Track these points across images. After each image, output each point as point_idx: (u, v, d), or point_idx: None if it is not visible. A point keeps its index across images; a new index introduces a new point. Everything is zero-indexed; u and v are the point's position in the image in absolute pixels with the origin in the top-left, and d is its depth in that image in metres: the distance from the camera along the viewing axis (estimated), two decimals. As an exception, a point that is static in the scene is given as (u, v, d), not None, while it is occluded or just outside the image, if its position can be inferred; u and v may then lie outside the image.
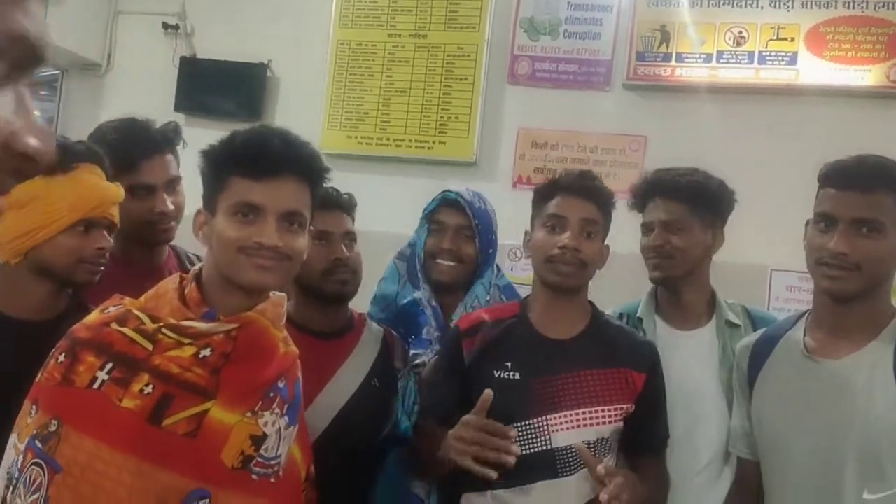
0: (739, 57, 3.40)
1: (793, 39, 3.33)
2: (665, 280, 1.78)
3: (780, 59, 3.35)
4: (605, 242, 1.65)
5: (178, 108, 4.02)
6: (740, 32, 3.40)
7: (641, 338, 1.71)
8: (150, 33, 4.12)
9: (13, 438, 1.18)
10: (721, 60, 3.42)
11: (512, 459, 1.41)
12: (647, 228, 1.80)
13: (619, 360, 1.60)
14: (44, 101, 4.28)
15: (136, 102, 4.01)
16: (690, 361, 1.72)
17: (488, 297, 1.82)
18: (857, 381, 1.40)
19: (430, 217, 1.87)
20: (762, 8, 3.39)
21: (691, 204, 1.76)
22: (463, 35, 3.73)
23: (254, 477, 1.20)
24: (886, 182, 1.40)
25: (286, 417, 1.26)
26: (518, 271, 3.72)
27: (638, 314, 1.84)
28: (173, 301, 1.25)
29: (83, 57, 4.11)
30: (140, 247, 1.77)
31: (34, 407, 1.18)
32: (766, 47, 3.36)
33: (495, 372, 1.56)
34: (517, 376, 1.55)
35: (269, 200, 1.22)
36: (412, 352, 1.80)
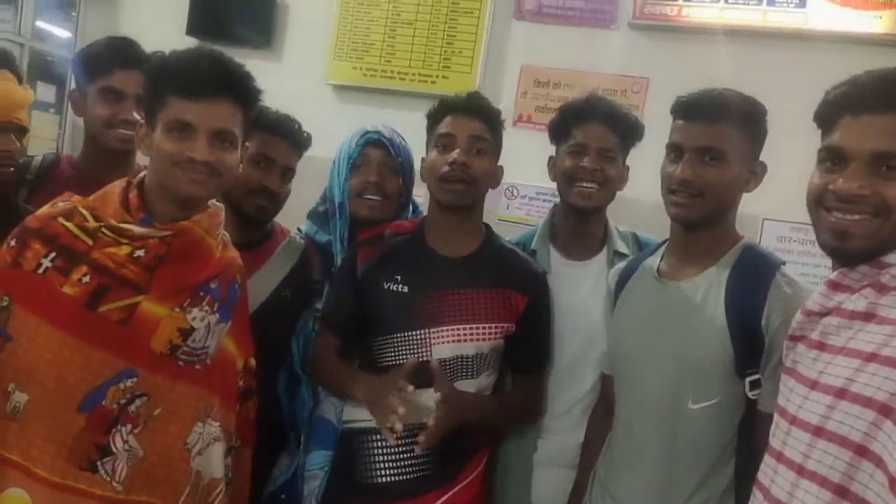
0: (748, -2, 3.30)
1: (803, -19, 3.22)
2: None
3: (789, 1, 3.25)
4: (499, 163, 1.68)
5: (189, 31, 4.07)
6: (751, -28, 3.30)
7: (534, 265, 1.75)
8: (164, -45, 4.14)
9: None
10: (730, 1, 3.33)
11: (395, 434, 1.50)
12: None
13: (504, 282, 1.65)
14: (62, 24, 4.37)
15: (150, 25, 4.13)
16: (580, 291, 1.78)
17: None
18: (692, 301, 1.47)
19: (353, 155, 1.88)
20: (775, -52, 3.27)
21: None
22: (470, -33, 3.68)
23: (179, 363, 1.36)
24: (730, 113, 1.45)
25: (217, 314, 1.40)
26: (513, 209, 3.77)
27: (532, 245, 1.89)
28: (115, 204, 1.37)
29: (99, -22, 4.16)
30: (102, 157, 1.86)
31: None
32: (776, -12, 3.26)
33: (385, 284, 1.63)
34: (405, 289, 1.61)
35: (201, 119, 1.32)
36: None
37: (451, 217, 1.65)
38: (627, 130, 1.86)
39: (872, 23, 3.14)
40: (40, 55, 4.10)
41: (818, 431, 1.02)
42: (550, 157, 1.90)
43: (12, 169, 1.65)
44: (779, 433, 1.13)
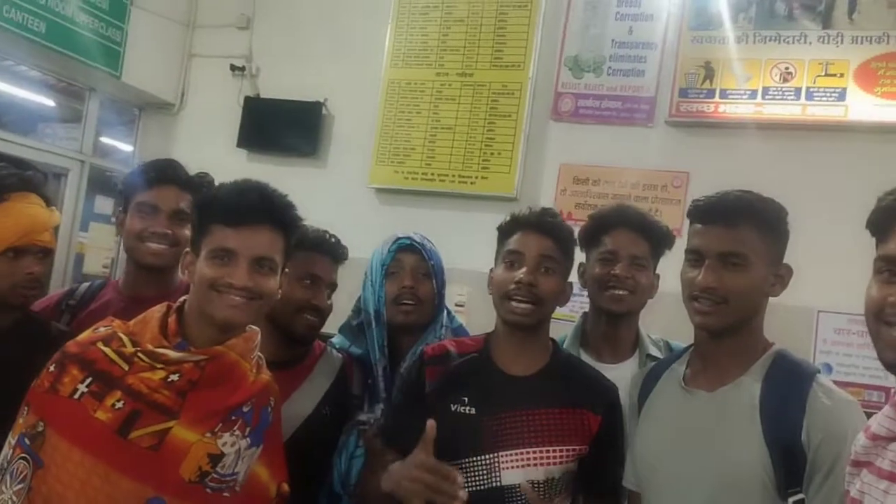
0: (786, 93, 3.34)
1: (842, 75, 3.25)
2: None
3: (828, 95, 3.27)
4: (569, 280, 1.65)
5: (240, 143, 4.27)
6: (787, 68, 3.35)
7: (605, 380, 1.66)
8: (218, 75, 4.41)
9: (9, 436, 1.34)
10: (767, 97, 3.37)
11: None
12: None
13: (575, 401, 1.57)
14: (123, 137, 4.63)
15: (204, 139, 4.36)
16: None
17: (437, 341, 1.80)
18: (725, 413, 1.39)
19: (388, 262, 1.87)
20: (810, 43, 3.33)
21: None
22: (508, 73, 3.82)
23: (208, 490, 1.31)
24: (749, 216, 1.39)
25: (248, 439, 1.37)
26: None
27: (563, 346, 1.82)
28: (154, 329, 1.39)
29: (158, 97, 4.44)
30: (139, 271, 1.88)
31: (26, 408, 1.34)
32: (814, 83, 3.29)
33: (452, 406, 1.56)
34: (472, 411, 1.55)
35: (241, 246, 1.36)
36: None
37: (518, 335, 1.59)
38: (657, 238, 1.84)
39: (914, 112, 3.13)
40: (100, 170, 4.32)
41: None
42: (581, 264, 1.88)
43: (35, 292, 1.70)
44: None
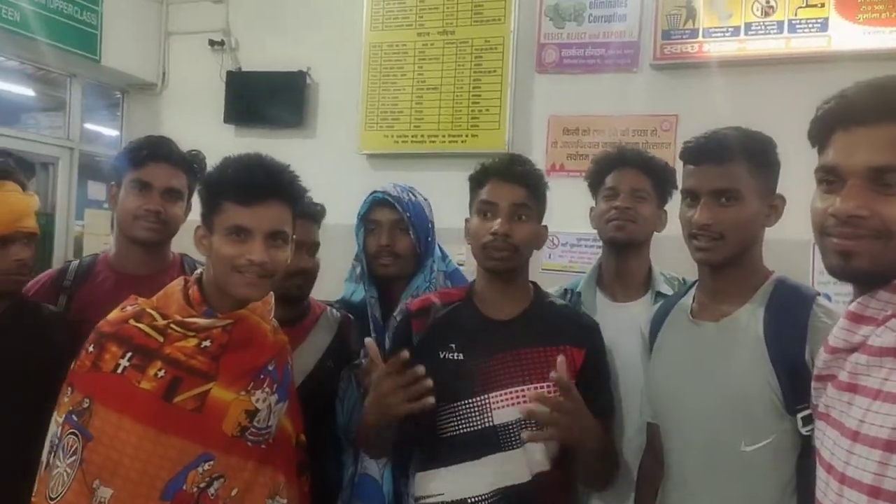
0: (768, 27, 3.33)
1: (823, 5, 3.24)
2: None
3: (810, 26, 3.27)
4: (550, 223, 1.69)
5: (227, 119, 4.26)
6: (768, 2, 3.34)
7: (584, 316, 1.74)
8: (198, 51, 4.38)
9: (54, 415, 1.43)
10: (749, 32, 3.36)
11: (432, 399, 1.46)
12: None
13: (558, 338, 1.62)
14: (108, 121, 4.61)
15: (190, 117, 4.34)
16: (623, 333, 1.75)
17: (428, 286, 1.88)
18: (731, 340, 1.44)
19: (365, 218, 1.94)
20: (790, -25, 3.31)
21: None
22: (489, 28, 3.80)
23: (248, 444, 1.43)
24: (738, 152, 1.43)
25: (276, 395, 1.48)
26: (555, 258, 3.78)
27: (578, 289, 1.90)
28: (179, 300, 1.48)
29: (140, 78, 4.41)
30: (132, 247, 1.89)
31: (70, 388, 1.43)
32: (796, 15, 3.29)
33: (440, 353, 1.61)
34: (460, 357, 1.60)
35: (255, 223, 1.43)
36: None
37: (498, 281, 1.65)
38: (657, 172, 1.88)
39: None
40: (90, 156, 4.32)
41: (875, 492, 0.93)
42: (591, 208, 1.94)
43: (25, 278, 1.73)
44: (830, 494, 1.04)
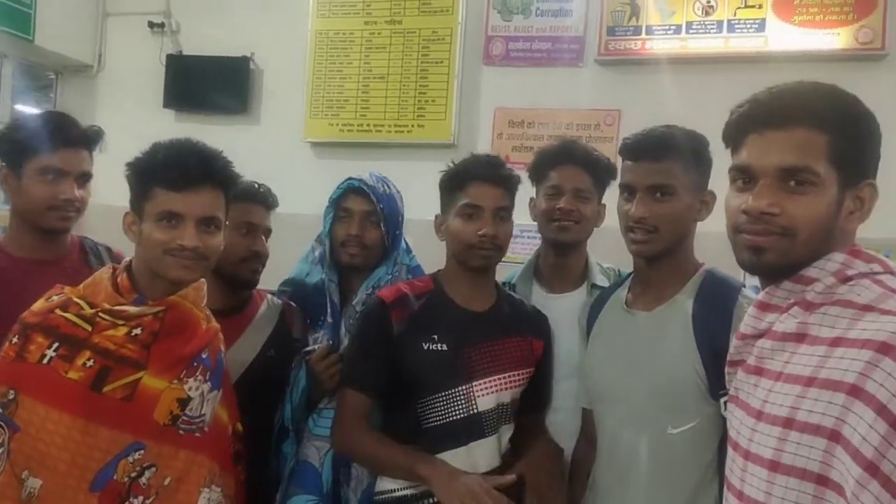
0: (708, 26, 3.42)
1: (760, 6, 3.34)
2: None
3: (748, 26, 3.36)
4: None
5: (167, 104, 4.15)
6: (709, 2, 3.42)
7: (535, 309, 1.82)
8: (137, 33, 4.25)
9: None
10: (690, 31, 3.44)
11: None
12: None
13: (523, 330, 1.74)
14: (41, 103, 4.43)
15: (127, 100, 4.21)
16: (558, 324, 1.81)
17: (389, 277, 1.89)
18: (661, 329, 1.52)
19: (337, 204, 1.93)
20: (730, -24, 3.40)
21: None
22: (437, 19, 3.79)
23: (181, 432, 1.43)
24: (672, 149, 1.51)
25: (209, 383, 1.48)
26: (517, 250, 3.79)
27: (513, 281, 1.95)
28: (107, 289, 1.45)
29: (75, 59, 4.25)
30: (38, 234, 1.79)
31: None
32: (735, 15, 3.38)
33: (423, 344, 1.66)
34: (444, 347, 1.66)
35: (187, 209, 1.42)
36: (312, 336, 1.89)
37: (475, 276, 1.73)
38: (600, 171, 1.92)
39: (830, 40, 3.25)
40: (20, 138, 4.13)
41: (774, 466, 0.99)
42: (531, 199, 1.95)
43: None
44: (736, 469, 1.10)
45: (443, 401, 1.65)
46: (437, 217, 1.77)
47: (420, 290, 1.74)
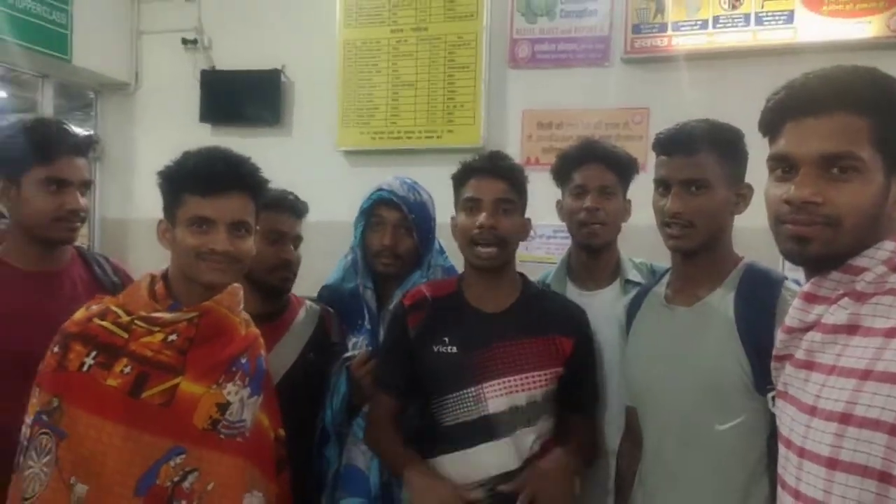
0: (736, 20, 3.39)
1: (788, -3, 3.30)
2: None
3: (776, 18, 3.33)
4: (526, 216, 1.74)
5: (203, 118, 4.24)
6: (735, -5, 3.39)
7: (573, 306, 1.80)
8: (171, 49, 4.34)
9: (25, 418, 1.44)
10: (717, 25, 3.42)
11: None
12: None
13: (547, 328, 1.70)
14: (81, 122, 4.56)
15: (165, 116, 4.32)
16: (594, 320, 1.81)
17: (424, 281, 1.90)
18: (702, 324, 1.50)
19: (368, 213, 1.94)
20: (756, -32, 3.37)
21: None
22: (462, 24, 3.82)
23: (221, 436, 1.45)
24: (706, 143, 1.49)
25: (248, 388, 1.50)
26: (532, 250, 3.82)
27: (548, 281, 1.97)
28: (144, 297, 1.51)
29: (113, 78, 4.37)
30: (41, 246, 1.77)
31: (37, 390, 1.44)
32: (762, 7, 3.35)
33: (434, 347, 1.68)
34: (454, 350, 1.67)
35: (217, 213, 1.46)
36: (351, 341, 1.92)
37: (487, 276, 1.71)
38: (623, 167, 1.93)
39: (862, 28, 3.20)
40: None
41: (832, 463, 0.96)
42: (558, 201, 1.97)
43: None
44: (790, 468, 1.06)
45: (453, 402, 1.65)
46: (452, 219, 1.77)
47: (443, 291, 1.76)
